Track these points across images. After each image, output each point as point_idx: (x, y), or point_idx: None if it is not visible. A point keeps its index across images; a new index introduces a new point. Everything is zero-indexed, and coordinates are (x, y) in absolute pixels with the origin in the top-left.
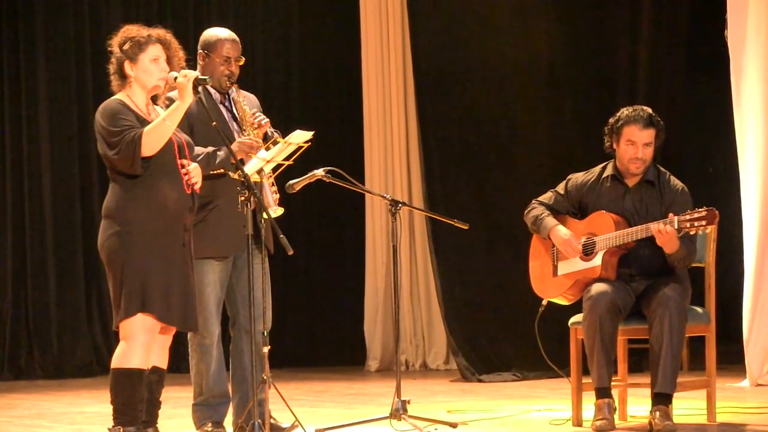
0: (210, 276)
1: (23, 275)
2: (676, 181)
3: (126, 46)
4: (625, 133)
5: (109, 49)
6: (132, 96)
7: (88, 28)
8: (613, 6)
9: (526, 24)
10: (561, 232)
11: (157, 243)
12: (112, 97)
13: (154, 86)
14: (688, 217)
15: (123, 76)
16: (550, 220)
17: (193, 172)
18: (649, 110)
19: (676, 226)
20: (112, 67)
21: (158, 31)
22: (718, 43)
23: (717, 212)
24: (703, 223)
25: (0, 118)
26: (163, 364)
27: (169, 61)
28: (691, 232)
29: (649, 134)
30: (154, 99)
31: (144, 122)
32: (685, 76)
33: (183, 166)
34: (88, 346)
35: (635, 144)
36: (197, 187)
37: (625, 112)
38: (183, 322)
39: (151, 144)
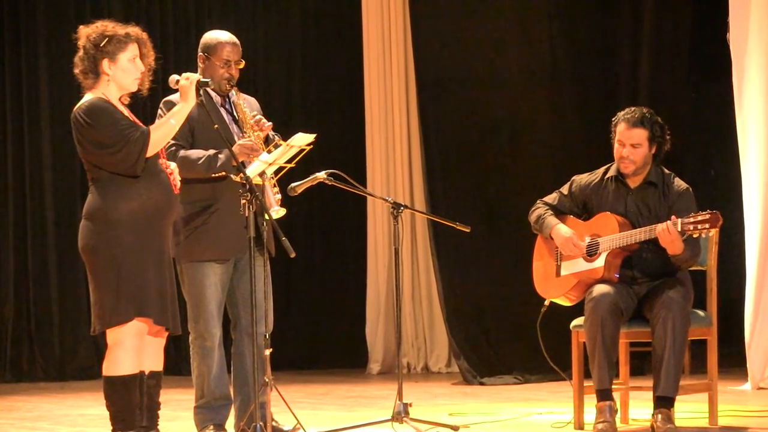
0: (211, 278)
1: (25, 277)
2: (679, 182)
3: (104, 44)
4: (617, 132)
5: (79, 44)
6: (107, 94)
7: None
8: (615, 8)
9: (527, 27)
10: (562, 230)
11: (149, 244)
12: (93, 96)
13: (128, 85)
14: (691, 219)
15: (97, 74)
16: (551, 220)
17: (176, 172)
18: (645, 111)
19: (679, 229)
20: (82, 64)
21: (135, 30)
22: (720, 46)
23: (720, 216)
24: (707, 226)
25: (2, 118)
26: (159, 366)
27: (142, 59)
28: (695, 235)
29: (637, 134)
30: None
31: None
32: (687, 79)
33: (167, 167)
34: (90, 348)
35: (624, 144)
36: (178, 187)
37: (621, 112)
38: (174, 323)
39: (156, 143)
